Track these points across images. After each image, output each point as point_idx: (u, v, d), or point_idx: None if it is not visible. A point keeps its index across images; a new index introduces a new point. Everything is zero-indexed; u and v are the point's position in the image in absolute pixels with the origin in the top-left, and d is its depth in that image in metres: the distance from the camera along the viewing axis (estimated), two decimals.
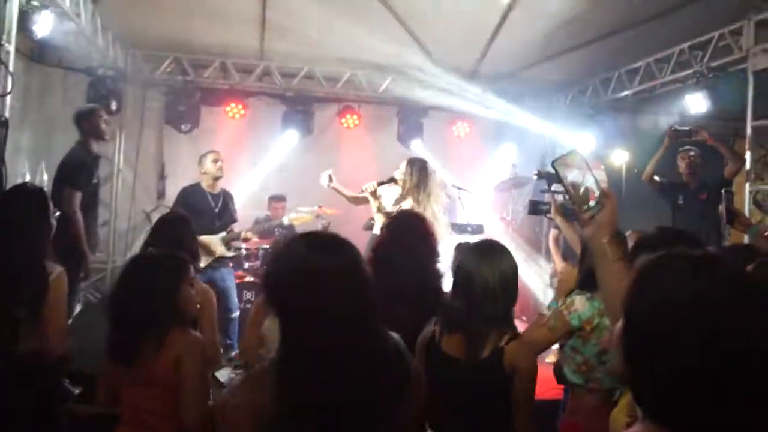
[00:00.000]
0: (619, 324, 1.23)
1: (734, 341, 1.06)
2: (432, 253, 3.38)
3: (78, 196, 5.58)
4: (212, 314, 3.63)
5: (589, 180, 1.77)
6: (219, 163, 6.68)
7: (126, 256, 8.35)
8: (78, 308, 5.81)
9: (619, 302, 1.25)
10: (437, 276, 3.35)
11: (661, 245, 1.72)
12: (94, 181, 6.01)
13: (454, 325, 2.82)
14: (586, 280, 3.02)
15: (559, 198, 3.75)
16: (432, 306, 2.99)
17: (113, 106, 7.79)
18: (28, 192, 3.56)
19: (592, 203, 1.76)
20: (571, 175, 1.76)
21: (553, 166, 1.77)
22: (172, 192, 8.31)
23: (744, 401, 1.06)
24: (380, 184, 5.95)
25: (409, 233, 3.38)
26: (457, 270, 2.89)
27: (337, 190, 6.47)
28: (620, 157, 9.50)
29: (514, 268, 2.83)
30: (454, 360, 2.78)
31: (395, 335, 1.95)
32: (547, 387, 3.97)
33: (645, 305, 1.17)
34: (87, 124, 5.96)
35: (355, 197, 6.35)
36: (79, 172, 5.71)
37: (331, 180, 6.46)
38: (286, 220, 7.13)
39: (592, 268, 2.84)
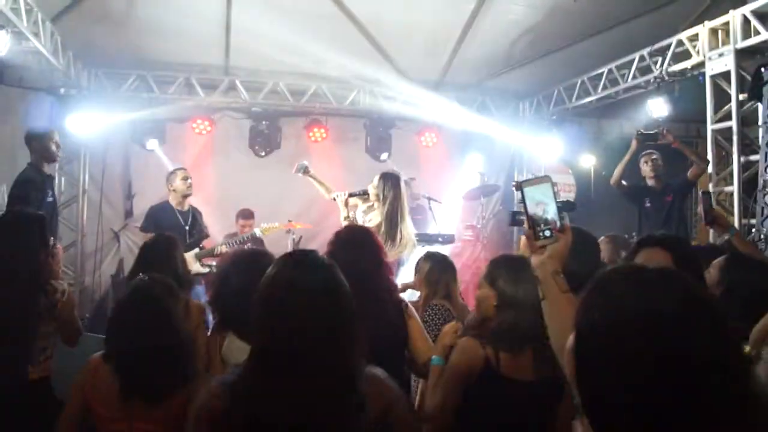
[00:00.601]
0: (570, 338, 1.18)
1: (686, 358, 1.02)
2: (378, 266, 3.26)
3: None
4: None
5: (552, 210, 1.79)
6: (188, 181, 6.61)
7: (95, 275, 8.37)
8: None
9: (563, 333, 1.20)
10: (386, 288, 3.25)
11: None
12: (49, 199, 5.85)
13: (519, 344, 2.65)
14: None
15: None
16: (381, 319, 2.92)
17: (76, 125, 7.65)
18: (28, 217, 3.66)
19: (548, 233, 1.77)
20: (535, 201, 1.79)
21: (521, 187, 1.79)
22: (140, 210, 8.25)
23: (693, 418, 1.01)
24: (352, 195, 5.90)
25: (353, 247, 3.24)
26: (498, 287, 2.78)
27: (315, 179, 6.39)
28: (588, 162, 9.64)
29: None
30: (522, 384, 2.63)
31: (378, 370, 1.97)
32: None
33: (596, 319, 1.12)
34: (37, 145, 5.86)
35: (329, 191, 6.28)
36: (28, 189, 5.58)
37: (307, 171, 6.39)
38: (257, 232, 7.03)
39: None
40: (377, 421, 1.87)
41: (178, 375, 2.60)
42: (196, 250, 6.53)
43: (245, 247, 7.46)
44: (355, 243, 3.29)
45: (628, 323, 1.06)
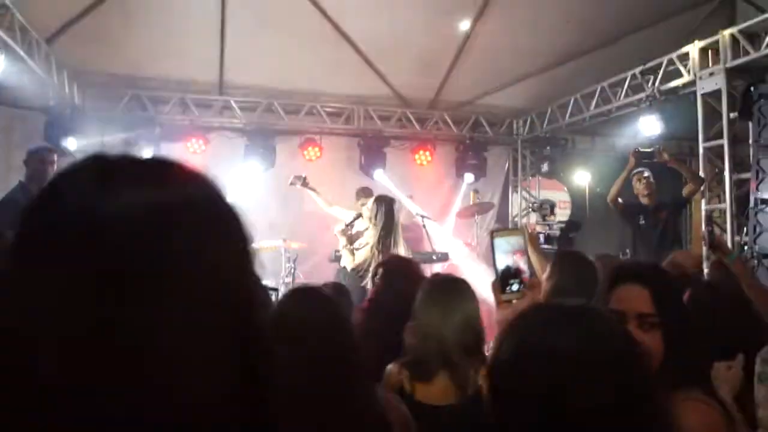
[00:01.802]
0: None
1: (577, 398, 1.01)
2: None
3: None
4: None
5: (523, 261, 1.76)
6: None
7: None
8: None
9: None
10: None
11: None
12: None
13: (427, 371, 2.59)
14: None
15: (537, 227, 3.83)
16: None
17: (71, 144, 7.67)
18: None
19: (515, 287, 1.73)
20: (506, 251, 1.75)
21: (492, 237, 1.77)
22: None
23: None
24: (349, 224, 5.98)
25: (402, 280, 3.28)
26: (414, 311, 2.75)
27: (314, 191, 6.39)
28: (582, 179, 9.66)
29: (473, 299, 2.74)
30: (436, 409, 2.54)
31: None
32: None
33: (502, 355, 1.13)
34: (27, 164, 5.85)
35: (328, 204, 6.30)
36: (8, 209, 5.51)
37: (305, 183, 6.37)
38: None
39: (561, 291, 2.92)
40: None
41: None
42: None
43: None
44: (404, 274, 3.37)
45: (525, 357, 1.08)
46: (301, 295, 2.09)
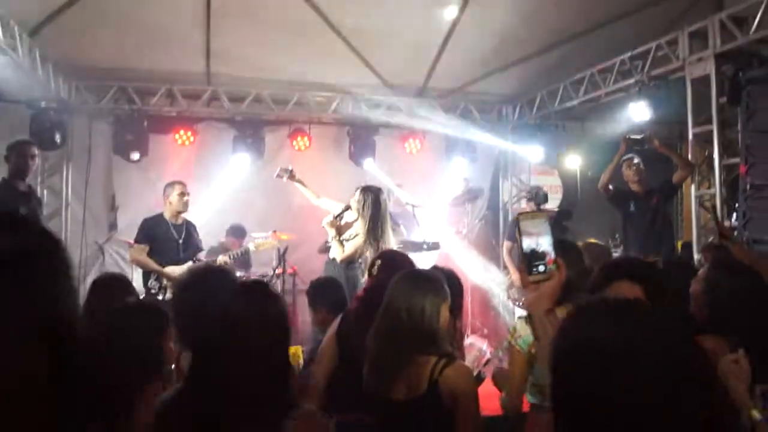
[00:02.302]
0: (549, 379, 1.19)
1: (658, 391, 1.04)
2: None
3: None
4: None
5: (547, 244, 1.79)
6: (186, 198, 6.55)
7: (79, 289, 8.10)
8: None
9: None
10: None
11: None
12: None
13: (380, 364, 2.69)
14: None
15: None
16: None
17: (57, 138, 7.62)
18: None
19: (542, 268, 1.78)
20: (530, 234, 1.79)
21: (517, 220, 1.81)
22: (123, 222, 8.36)
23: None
24: (337, 216, 5.99)
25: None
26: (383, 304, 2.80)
27: (301, 183, 6.43)
28: (573, 163, 9.72)
29: (425, 292, 2.71)
30: (397, 404, 2.62)
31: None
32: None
33: (570, 356, 1.15)
34: (7, 161, 5.79)
35: (316, 195, 6.35)
36: None
37: (292, 176, 6.45)
38: (252, 247, 7.06)
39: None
40: None
41: None
42: (189, 263, 6.41)
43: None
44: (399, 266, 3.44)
45: (600, 356, 1.09)
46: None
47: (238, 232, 8.28)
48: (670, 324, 1.15)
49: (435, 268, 4.25)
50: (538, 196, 7.57)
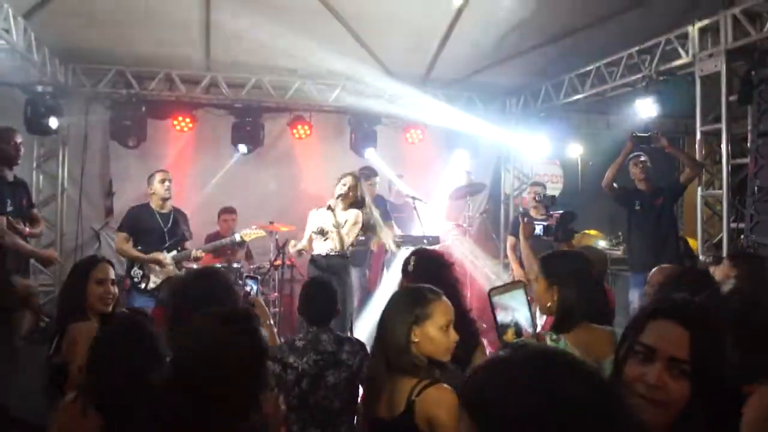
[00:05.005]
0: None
1: None
2: (460, 288, 3.51)
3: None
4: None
5: (524, 317, 1.74)
6: (167, 184, 6.46)
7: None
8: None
9: None
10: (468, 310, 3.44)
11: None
12: (9, 208, 5.53)
13: (373, 381, 2.63)
14: (561, 323, 2.74)
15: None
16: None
17: (53, 123, 7.48)
18: None
19: (515, 340, 1.72)
20: (505, 307, 1.74)
21: (490, 295, 1.76)
22: (120, 209, 8.03)
23: None
24: (330, 208, 6.09)
25: (438, 270, 3.47)
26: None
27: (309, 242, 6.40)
28: (575, 151, 9.57)
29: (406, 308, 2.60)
30: (380, 422, 2.55)
31: None
32: None
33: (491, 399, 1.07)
34: None
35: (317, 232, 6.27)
36: None
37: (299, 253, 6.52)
38: (237, 237, 6.94)
39: (569, 310, 2.70)
40: None
41: None
42: (174, 252, 6.41)
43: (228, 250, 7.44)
44: (439, 265, 3.55)
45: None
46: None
47: (228, 209, 8.07)
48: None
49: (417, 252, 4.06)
50: (545, 199, 7.45)
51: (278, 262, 7.46)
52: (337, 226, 6.01)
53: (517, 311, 1.73)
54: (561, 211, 6.04)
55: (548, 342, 2.67)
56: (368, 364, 2.69)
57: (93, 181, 8.45)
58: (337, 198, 6.13)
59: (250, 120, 8.49)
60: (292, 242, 6.49)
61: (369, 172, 7.92)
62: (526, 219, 5.76)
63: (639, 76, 7.09)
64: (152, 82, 8.17)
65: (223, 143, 8.53)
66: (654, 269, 3.99)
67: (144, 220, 6.38)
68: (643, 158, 6.87)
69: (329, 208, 6.06)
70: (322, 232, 6.12)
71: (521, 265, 6.83)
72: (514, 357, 1.11)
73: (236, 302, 2.98)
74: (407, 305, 2.56)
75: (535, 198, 7.53)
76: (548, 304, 2.79)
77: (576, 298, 2.71)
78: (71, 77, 7.97)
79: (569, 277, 2.78)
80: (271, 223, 7.44)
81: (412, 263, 3.64)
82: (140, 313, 2.91)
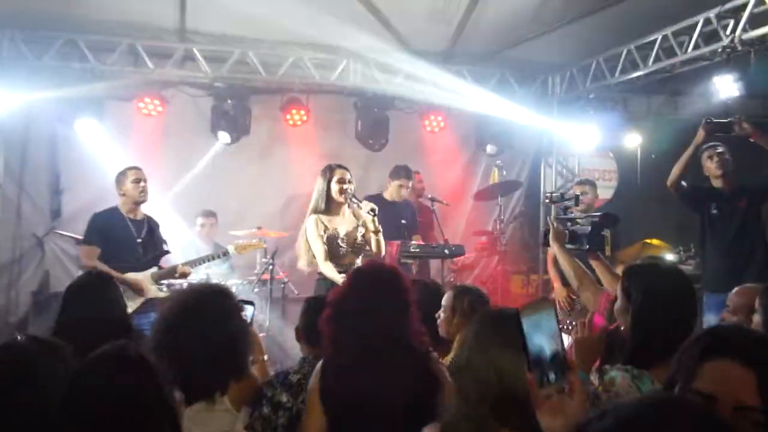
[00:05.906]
0: None
1: None
2: (405, 308, 3.27)
3: None
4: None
5: (557, 344, 1.73)
6: (142, 184, 6.13)
7: (11, 293, 7.80)
8: None
9: None
10: (412, 333, 3.24)
11: None
12: None
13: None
14: (635, 354, 2.69)
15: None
16: (408, 369, 3.02)
17: None
18: None
19: (552, 376, 1.68)
20: (535, 332, 1.70)
21: (518, 317, 1.71)
22: (70, 210, 7.91)
23: None
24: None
25: (375, 287, 3.27)
26: None
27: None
28: (633, 142, 9.23)
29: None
30: None
31: None
32: None
33: None
34: None
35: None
36: None
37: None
38: (231, 249, 6.74)
39: (646, 342, 2.67)
40: None
41: None
42: (153, 269, 6.15)
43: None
44: (380, 281, 3.32)
45: None
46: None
47: (207, 212, 7.98)
48: None
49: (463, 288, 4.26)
50: (569, 199, 6.93)
51: (266, 276, 7.22)
52: (376, 231, 5.71)
53: (551, 334, 1.71)
54: (598, 214, 5.56)
55: (630, 380, 2.63)
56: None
57: (36, 175, 8.07)
58: (353, 199, 5.82)
59: (233, 103, 8.18)
60: (303, 260, 5.94)
61: (406, 173, 7.63)
62: (555, 222, 5.24)
63: (717, 46, 6.56)
64: (112, 55, 7.62)
65: (200, 131, 8.25)
66: (735, 289, 3.91)
67: (115, 229, 6.08)
68: (720, 149, 6.35)
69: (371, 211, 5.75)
70: (361, 249, 5.81)
71: (563, 281, 6.50)
72: None
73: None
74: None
75: (550, 197, 7.19)
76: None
77: (672, 323, 2.68)
78: (10, 47, 7.44)
79: (662, 296, 2.77)
80: (258, 228, 7.18)
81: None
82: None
